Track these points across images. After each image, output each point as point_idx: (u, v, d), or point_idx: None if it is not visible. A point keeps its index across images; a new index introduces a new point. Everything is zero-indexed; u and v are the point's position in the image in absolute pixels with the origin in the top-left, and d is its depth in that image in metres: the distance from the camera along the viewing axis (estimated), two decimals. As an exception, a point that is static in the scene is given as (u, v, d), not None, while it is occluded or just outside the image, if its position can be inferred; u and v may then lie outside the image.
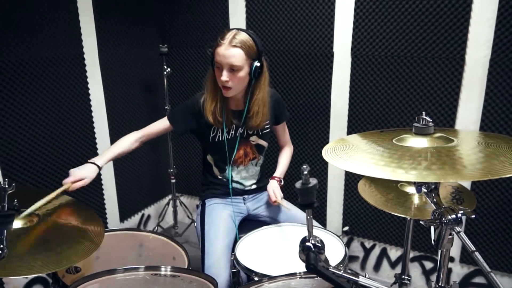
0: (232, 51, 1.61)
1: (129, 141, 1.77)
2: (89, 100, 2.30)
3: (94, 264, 1.55)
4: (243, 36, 1.63)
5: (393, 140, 1.13)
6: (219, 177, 1.92)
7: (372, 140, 1.18)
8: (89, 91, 2.29)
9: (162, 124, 1.84)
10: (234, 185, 1.91)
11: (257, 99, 1.75)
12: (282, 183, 1.90)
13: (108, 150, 1.73)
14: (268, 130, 1.89)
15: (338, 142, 1.20)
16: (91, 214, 1.42)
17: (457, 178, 0.94)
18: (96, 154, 2.38)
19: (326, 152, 1.10)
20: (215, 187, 1.93)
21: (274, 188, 1.85)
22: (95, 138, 2.37)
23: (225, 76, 1.63)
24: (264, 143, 1.90)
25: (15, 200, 1.21)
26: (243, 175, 1.91)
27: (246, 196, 1.94)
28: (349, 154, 1.08)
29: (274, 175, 1.94)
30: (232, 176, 1.89)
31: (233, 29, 1.67)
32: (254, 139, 1.87)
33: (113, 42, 2.41)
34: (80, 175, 1.54)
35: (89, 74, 2.27)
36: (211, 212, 1.84)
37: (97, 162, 1.62)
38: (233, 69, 1.63)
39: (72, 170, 1.56)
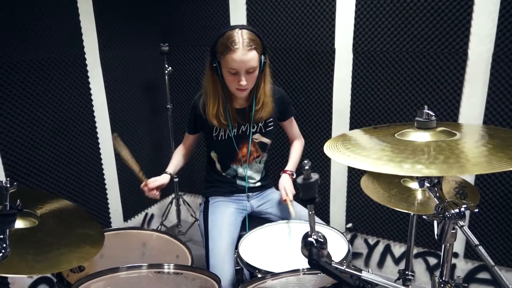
0: (249, 55, 1.59)
1: (180, 151, 1.98)
2: (91, 100, 2.30)
3: (97, 263, 1.55)
4: (250, 35, 1.60)
5: (395, 135, 1.12)
6: (223, 174, 1.92)
7: (374, 135, 1.17)
8: (91, 91, 2.29)
9: (187, 136, 1.97)
10: (239, 182, 1.91)
11: (263, 91, 1.75)
12: (294, 176, 1.87)
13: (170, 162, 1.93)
14: (272, 127, 1.88)
15: (339, 138, 1.19)
16: (90, 220, 1.43)
17: (461, 172, 0.92)
18: (98, 155, 2.38)
19: (328, 148, 1.10)
20: (219, 185, 1.92)
21: (285, 185, 1.80)
22: (97, 138, 2.37)
23: (244, 81, 1.62)
24: (267, 140, 1.89)
25: (18, 200, 1.21)
26: (247, 173, 1.90)
27: (250, 194, 1.93)
28: (351, 149, 1.08)
29: (286, 168, 1.91)
30: (236, 174, 1.89)
31: (233, 27, 1.61)
32: (257, 136, 1.86)
33: (114, 41, 2.41)
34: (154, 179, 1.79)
35: (90, 74, 2.27)
36: (214, 210, 1.84)
37: (168, 171, 1.85)
38: (249, 72, 1.63)
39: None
